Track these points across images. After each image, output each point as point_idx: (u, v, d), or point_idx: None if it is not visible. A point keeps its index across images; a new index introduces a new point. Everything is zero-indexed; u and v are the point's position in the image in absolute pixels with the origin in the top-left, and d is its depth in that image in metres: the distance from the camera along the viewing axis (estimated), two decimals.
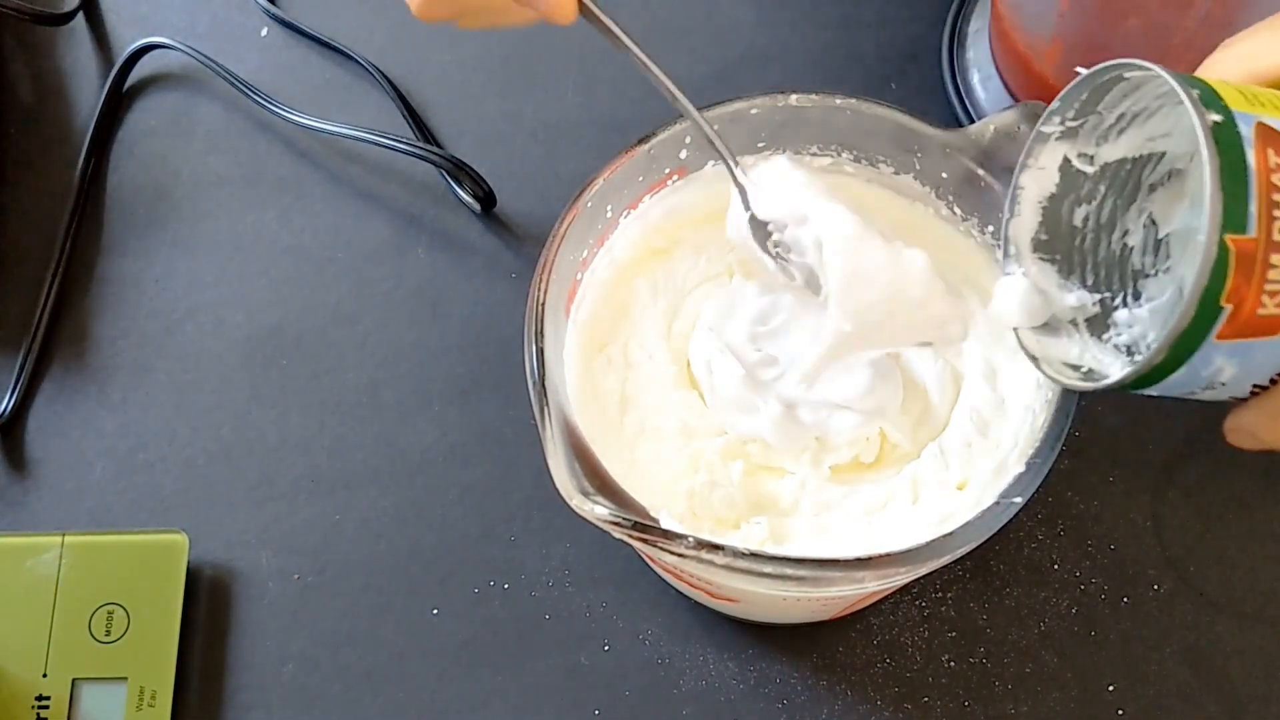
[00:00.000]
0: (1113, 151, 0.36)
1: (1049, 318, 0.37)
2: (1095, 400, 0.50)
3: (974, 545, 0.35)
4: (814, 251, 0.40)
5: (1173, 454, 0.50)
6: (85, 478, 0.51)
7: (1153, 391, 0.32)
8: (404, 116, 0.59)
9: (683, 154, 0.43)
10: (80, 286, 0.55)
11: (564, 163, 0.58)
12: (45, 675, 0.45)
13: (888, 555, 0.35)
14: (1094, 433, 0.50)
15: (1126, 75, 0.33)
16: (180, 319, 0.55)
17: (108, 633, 0.46)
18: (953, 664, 0.47)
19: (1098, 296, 0.37)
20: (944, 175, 0.43)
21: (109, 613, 0.46)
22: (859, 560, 0.34)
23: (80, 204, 0.57)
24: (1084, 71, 0.34)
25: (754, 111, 0.42)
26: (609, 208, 0.42)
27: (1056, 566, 0.48)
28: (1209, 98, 0.29)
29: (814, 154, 0.44)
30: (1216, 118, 0.29)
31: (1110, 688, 0.46)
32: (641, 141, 0.42)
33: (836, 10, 0.61)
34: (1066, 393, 0.37)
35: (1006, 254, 0.38)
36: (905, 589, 0.48)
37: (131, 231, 0.57)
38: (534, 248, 0.55)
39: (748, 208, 0.41)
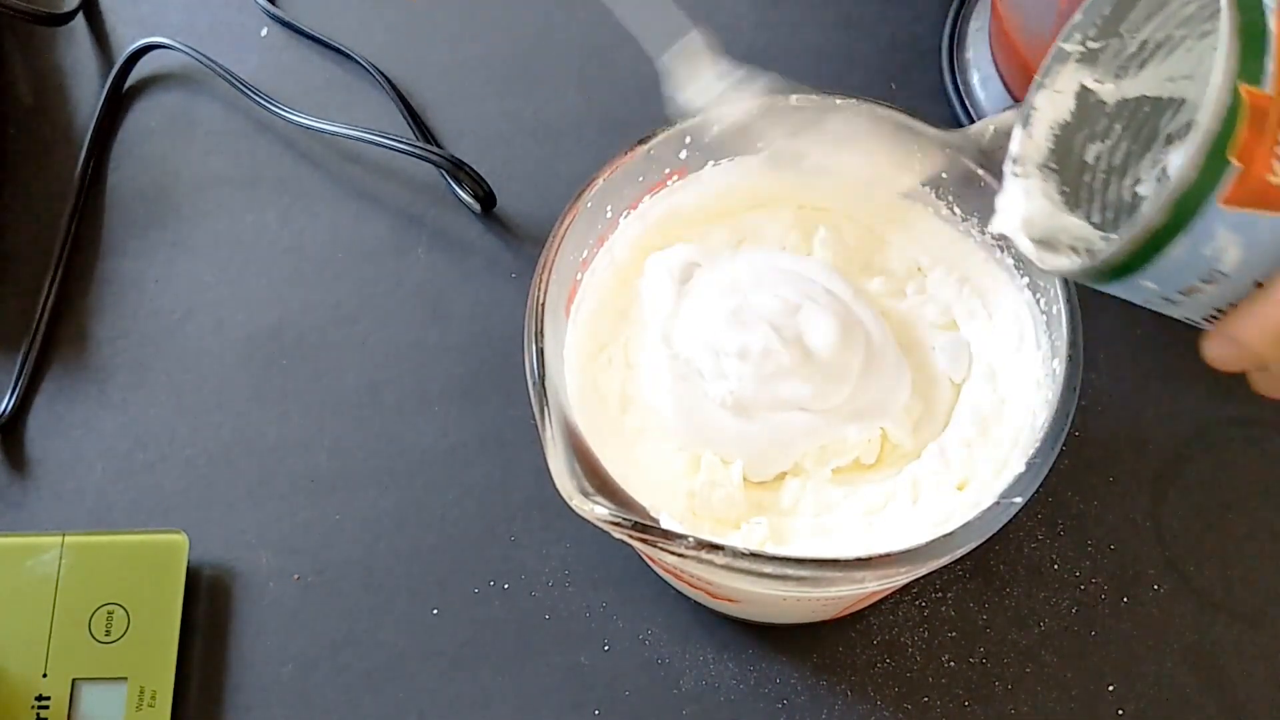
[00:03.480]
0: (1132, 86, 0.35)
1: (1047, 235, 0.36)
2: (1095, 400, 0.50)
3: (974, 545, 0.35)
4: None
5: (1173, 454, 0.50)
6: (85, 478, 0.51)
7: (1149, 281, 0.30)
8: (404, 116, 0.59)
9: (682, 154, 0.43)
10: (80, 286, 0.55)
11: (564, 163, 0.58)
12: (45, 675, 0.45)
13: (888, 555, 0.34)
14: (1094, 433, 0.50)
15: None
16: (180, 319, 0.55)
17: (108, 633, 0.46)
18: (953, 664, 0.47)
19: (1102, 235, 0.36)
20: (944, 175, 0.43)
21: (109, 613, 0.46)
22: (859, 560, 0.34)
23: (80, 204, 0.57)
24: None
25: None
26: (609, 208, 0.42)
27: (1056, 566, 0.48)
28: None
29: None
30: None
31: (1110, 688, 0.46)
32: (641, 142, 0.42)
33: (836, 10, 0.61)
34: (1067, 393, 0.37)
35: (1013, 173, 0.36)
36: (905, 589, 0.48)
37: (131, 231, 0.57)
38: (534, 248, 0.55)
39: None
